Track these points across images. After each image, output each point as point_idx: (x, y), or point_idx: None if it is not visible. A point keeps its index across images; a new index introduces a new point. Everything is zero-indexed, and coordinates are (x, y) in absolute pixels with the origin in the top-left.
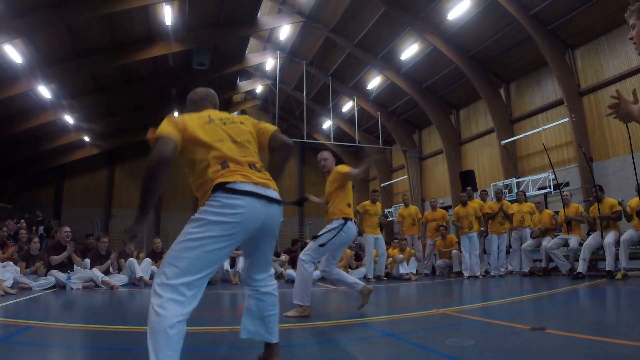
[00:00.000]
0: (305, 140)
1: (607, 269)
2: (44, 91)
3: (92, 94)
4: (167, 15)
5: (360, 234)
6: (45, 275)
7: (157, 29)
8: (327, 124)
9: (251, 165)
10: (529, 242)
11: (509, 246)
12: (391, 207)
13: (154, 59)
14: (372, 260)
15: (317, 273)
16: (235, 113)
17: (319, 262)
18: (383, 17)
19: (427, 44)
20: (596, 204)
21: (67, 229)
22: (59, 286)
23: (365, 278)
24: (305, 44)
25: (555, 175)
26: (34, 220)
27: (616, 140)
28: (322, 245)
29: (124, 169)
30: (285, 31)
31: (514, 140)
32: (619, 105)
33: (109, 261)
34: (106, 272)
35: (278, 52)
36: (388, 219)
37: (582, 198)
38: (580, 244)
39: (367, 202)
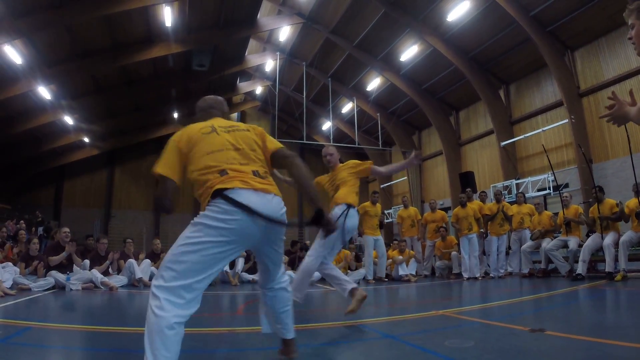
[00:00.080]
0: (305, 141)
1: (606, 270)
2: (44, 92)
3: (92, 95)
4: (167, 16)
5: (360, 234)
6: (45, 276)
7: (157, 30)
8: (326, 125)
9: (254, 173)
10: (528, 244)
11: (509, 247)
12: (391, 209)
13: (153, 60)
14: (372, 261)
15: (317, 275)
16: (235, 114)
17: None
18: (383, 18)
19: (427, 45)
20: (596, 204)
21: (66, 229)
22: (59, 287)
23: (364, 279)
24: (305, 45)
25: (554, 177)
26: (34, 221)
27: (616, 141)
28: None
29: (124, 169)
30: (285, 32)
31: (514, 141)
32: (614, 107)
33: (108, 262)
34: (105, 273)
35: (278, 53)
36: (387, 220)
37: (581, 199)
38: (580, 246)
39: (367, 204)
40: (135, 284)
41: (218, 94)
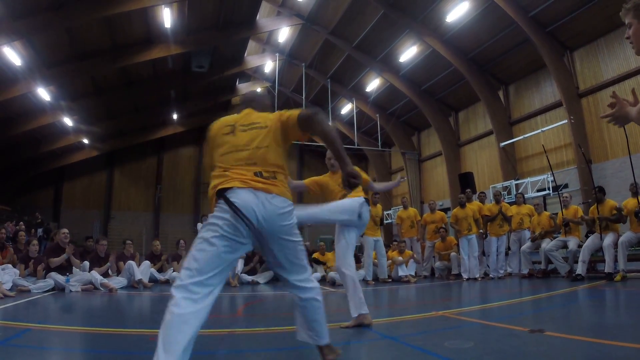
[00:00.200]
0: (304, 142)
1: (606, 270)
2: (43, 93)
3: (91, 96)
4: (167, 17)
5: (360, 235)
6: (44, 278)
7: (156, 32)
8: None
9: (257, 174)
10: (528, 244)
11: (508, 248)
12: (390, 210)
13: (153, 61)
14: (372, 262)
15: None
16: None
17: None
18: (382, 19)
19: (426, 46)
20: (595, 205)
21: (66, 230)
22: (58, 289)
23: (364, 280)
24: (304, 46)
25: (554, 177)
26: (33, 223)
27: (615, 142)
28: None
29: (123, 171)
30: (284, 33)
31: (513, 142)
32: (615, 107)
33: (108, 264)
34: (105, 275)
35: (277, 54)
36: (387, 221)
37: (581, 200)
38: (579, 246)
39: None
40: (134, 285)
41: (217, 95)
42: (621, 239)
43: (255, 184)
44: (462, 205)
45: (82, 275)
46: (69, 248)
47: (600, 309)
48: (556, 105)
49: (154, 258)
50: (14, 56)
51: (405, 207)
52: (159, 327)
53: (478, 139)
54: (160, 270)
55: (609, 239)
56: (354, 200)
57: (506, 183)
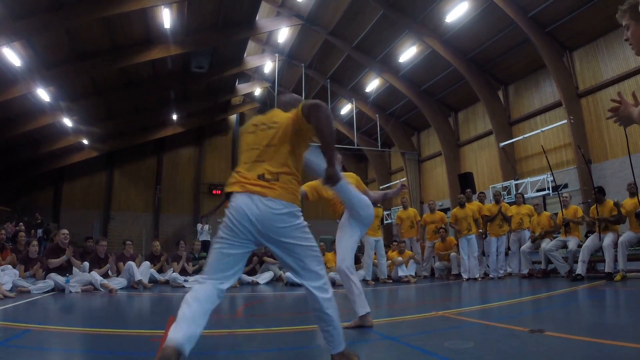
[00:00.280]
0: None
1: (606, 270)
2: (43, 94)
3: (91, 97)
4: (166, 18)
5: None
6: (44, 279)
7: (156, 32)
8: None
9: (260, 177)
10: (527, 244)
11: (508, 248)
12: (390, 210)
13: (152, 61)
14: (371, 262)
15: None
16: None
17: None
18: (381, 19)
19: (426, 46)
20: (595, 205)
21: (65, 231)
22: (58, 289)
23: (364, 280)
24: (303, 46)
25: (553, 177)
26: (33, 223)
27: (614, 142)
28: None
29: (123, 171)
30: (283, 34)
31: (513, 142)
32: (619, 108)
33: (108, 264)
34: (105, 276)
35: (276, 54)
36: (386, 221)
37: (580, 200)
38: (579, 246)
39: None
40: (134, 286)
41: (217, 95)
42: (621, 238)
43: (253, 187)
44: (462, 206)
45: (82, 276)
46: (68, 250)
47: (600, 309)
48: (556, 106)
49: (153, 259)
50: (13, 57)
51: (404, 208)
52: (159, 328)
53: (478, 139)
54: (160, 271)
55: (608, 238)
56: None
57: (506, 183)
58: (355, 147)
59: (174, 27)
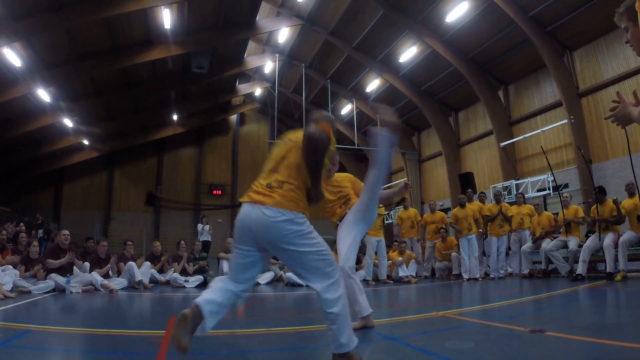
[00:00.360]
0: None
1: (606, 270)
2: (43, 94)
3: (91, 97)
4: (166, 18)
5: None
6: (45, 279)
7: (156, 32)
8: None
9: (268, 185)
10: (528, 244)
11: (509, 248)
12: (390, 210)
13: (153, 62)
14: (372, 263)
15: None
16: (235, 116)
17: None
18: (382, 19)
19: (426, 46)
20: (596, 205)
21: (66, 232)
22: (59, 290)
23: (364, 280)
24: (303, 46)
25: (554, 177)
26: (34, 224)
27: (615, 141)
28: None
29: (123, 172)
30: (284, 34)
31: (513, 142)
32: (618, 107)
33: (109, 265)
34: (105, 276)
35: (277, 54)
36: (387, 221)
37: (581, 200)
38: (580, 246)
39: None
40: (135, 286)
41: (217, 95)
42: (621, 238)
43: (257, 196)
44: (462, 205)
45: (83, 276)
46: (70, 254)
47: (601, 309)
48: (556, 105)
49: (154, 259)
50: (13, 57)
51: (405, 208)
52: (159, 328)
53: (478, 139)
54: (160, 271)
55: (609, 238)
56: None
57: (506, 183)
58: (356, 147)
59: (174, 28)
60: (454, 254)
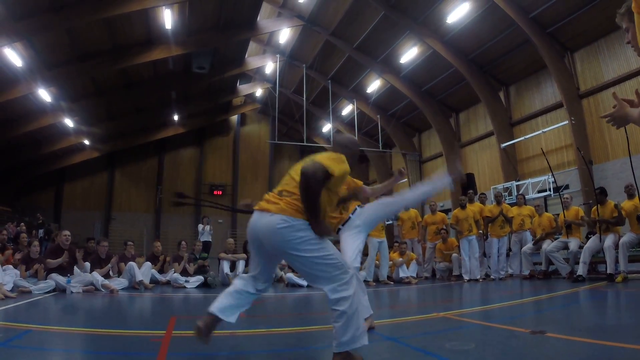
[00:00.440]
0: (305, 143)
1: (607, 272)
2: (44, 94)
3: (92, 98)
4: (167, 18)
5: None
6: (45, 279)
7: (157, 33)
8: (326, 127)
9: (280, 193)
10: (529, 245)
11: (509, 249)
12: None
13: (153, 62)
14: (374, 264)
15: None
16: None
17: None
18: (382, 20)
19: (427, 47)
20: (596, 206)
21: (67, 232)
22: (59, 290)
23: (364, 281)
24: (304, 47)
25: (554, 178)
26: (34, 224)
27: (616, 142)
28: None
29: (124, 172)
30: (284, 35)
31: (514, 143)
32: (615, 108)
33: (109, 265)
34: (106, 276)
35: (278, 55)
36: (387, 222)
37: (582, 201)
38: (580, 247)
39: None
40: (135, 286)
41: (218, 96)
42: (622, 240)
43: (265, 204)
44: (463, 207)
45: (83, 276)
46: (66, 254)
47: (602, 310)
48: (557, 106)
49: (154, 259)
50: (14, 57)
51: (406, 208)
52: (160, 328)
53: (479, 140)
54: (161, 272)
55: (609, 240)
56: None
57: (507, 184)
58: None
59: (175, 28)
60: (454, 255)
